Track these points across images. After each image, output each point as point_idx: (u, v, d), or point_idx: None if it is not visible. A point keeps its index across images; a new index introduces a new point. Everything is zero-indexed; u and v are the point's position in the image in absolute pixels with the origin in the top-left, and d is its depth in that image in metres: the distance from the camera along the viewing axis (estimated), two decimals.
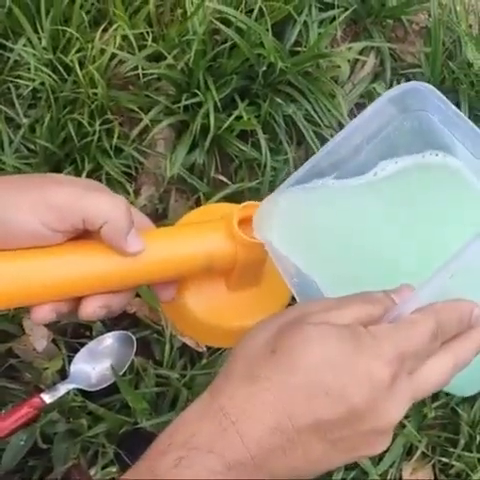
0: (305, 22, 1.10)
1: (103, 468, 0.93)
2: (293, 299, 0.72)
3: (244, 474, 0.45)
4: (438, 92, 0.59)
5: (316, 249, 0.60)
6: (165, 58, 1.05)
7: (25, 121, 1.04)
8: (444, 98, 0.59)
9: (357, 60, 1.17)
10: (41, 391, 0.92)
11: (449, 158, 0.62)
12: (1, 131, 1.04)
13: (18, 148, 1.04)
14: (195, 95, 1.02)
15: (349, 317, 0.48)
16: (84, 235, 0.59)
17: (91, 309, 0.58)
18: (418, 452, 0.98)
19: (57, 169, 1.03)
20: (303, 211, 0.61)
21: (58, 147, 1.01)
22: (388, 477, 0.98)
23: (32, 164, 1.03)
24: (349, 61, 1.15)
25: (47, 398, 0.92)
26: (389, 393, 0.46)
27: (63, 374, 0.96)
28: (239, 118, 1.04)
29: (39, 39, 1.04)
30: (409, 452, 1.00)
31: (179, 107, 1.03)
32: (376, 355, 0.46)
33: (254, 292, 0.68)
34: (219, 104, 1.02)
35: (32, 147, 1.03)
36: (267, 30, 1.05)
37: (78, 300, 0.59)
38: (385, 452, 0.97)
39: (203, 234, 0.63)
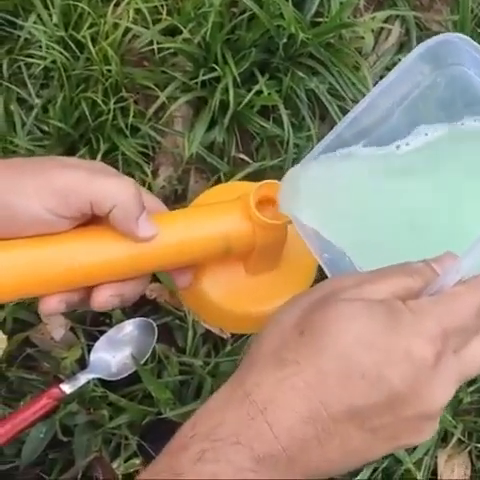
0: None
1: (126, 460, 0.89)
2: (316, 280, 0.68)
3: (275, 468, 0.41)
4: (474, 43, 0.54)
5: (348, 221, 0.56)
6: (181, 32, 1.00)
7: (37, 101, 1.00)
8: None
9: (381, 30, 1.11)
10: (60, 381, 0.89)
11: None
12: (13, 112, 1.00)
13: (31, 130, 1.00)
14: (213, 70, 0.98)
15: (385, 291, 0.44)
16: (93, 221, 0.55)
17: (103, 298, 0.56)
18: (454, 439, 0.94)
19: (71, 150, 0.99)
20: (331, 182, 0.57)
21: (72, 127, 0.97)
22: (423, 465, 0.94)
23: (46, 146, 0.99)
24: (373, 31, 1.10)
25: (67, 388, 0.88)
26: (433, 374, 0.42)
27: (82, 363, 0.92)
28: (259, 93, 0.99)
29: (50, 15, 1.00)
30: (444, 439, 0.96)
31: (196, 83, 0.99)
32: (417, 332, 0.42)
33: (274, 275, 0.66)
34: (238, 79, 0.97)
35: (45, 128, 1.00)
36: (286, 0, 1.00)
37: (89, 289, 0.56)
38: None
39: (219, 216, 0.60)
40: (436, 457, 0.96)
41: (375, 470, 0.92)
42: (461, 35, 0.53)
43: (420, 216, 0.55)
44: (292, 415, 0.41)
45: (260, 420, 0.41)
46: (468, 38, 0.53)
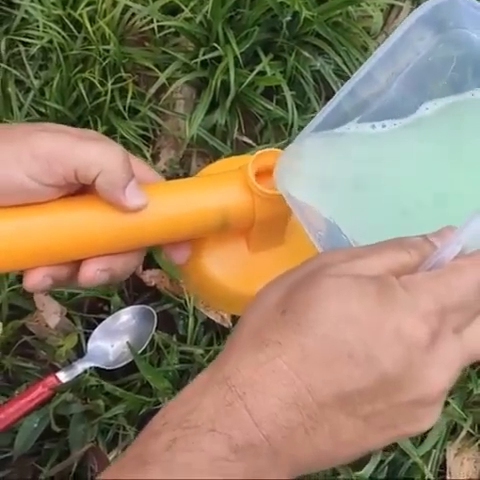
0: None
1: (124, 451, 0.87)
2: None
3: (258, 459, 0.37)
4: (478, 3, 0.50)
5: (345, 199, 0.53)
6: (182, 11, 0.97)
7: (35, 83, 0.98)
8: None
9: (391, 8, 1.08)
10: (57, 370, 0.87)
11: None
12: (10, 94, 0.98)
13: (29, 112, 0.98)
14: (214, 49, 0.95)
15: (378, 267, 0.40)
16: (83, 191, 0.52)
17: (91, 273, 0.52)
18: (463, 432, 0.91)
19: None
20: (328, 159, 0.54)
21: (69, 109, 0.94)
22: (431, 458, 0.91)
23: None
24: (382, 11, 1.07)
25: (63, 377, 0.86)
26: (429, 355, 0.38)
27: (79, 351, 0.90)
28: (263, 74, 0.96)
29: None
30: (453, 432, 0.93)
31: (197, 63, 0.96)
32: (409, 309, 0.38)
33: (279, 252, 0.62)
34: (241, 59, 0.94)
35: (43, 110, 0.97)
36: None
37: (77, 264, 0.53)
38: (427, 432, 0.90)
39: (216, 187, 0.56)
40: (445, 450, 0.93)
41: (381, 463, 0.89)
42: None
43: (426, 197, 0.52)
44: (274, 401, 0.37)
45: (239, 406, 0.37)
46: None
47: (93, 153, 0.49)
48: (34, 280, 0.52)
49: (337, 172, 0.53)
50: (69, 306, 0.91)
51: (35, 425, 0.83)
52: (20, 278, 0.81)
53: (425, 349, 0.38)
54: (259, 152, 0.55)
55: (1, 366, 0.89)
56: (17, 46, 0.99)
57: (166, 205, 0.54)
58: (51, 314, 0.87)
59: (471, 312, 0.40)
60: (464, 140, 0.51)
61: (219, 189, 0.56)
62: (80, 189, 0.52)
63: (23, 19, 0.99)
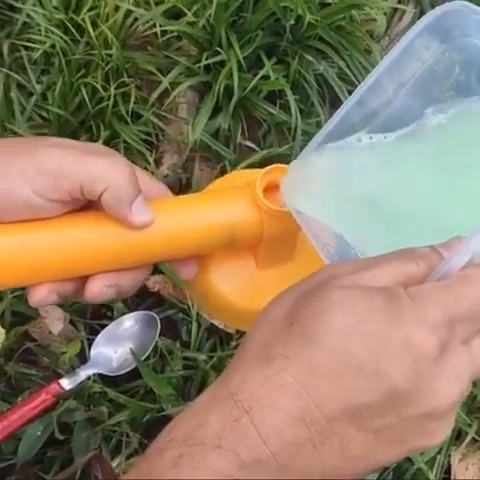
0: None
1: (127, 458, 0.87)
2: None
3: (265, 475, 0.37)
4: None
5: (355, 214, 0.52)
6: (185, 15, 0.97)
7: (37, 88, 0.97)
8: None
9: (394, 12, 1.07)
10: (60, 376, 0.87)
11: None
12: (13, 99, 0.97)
13: (31, 116, 0.98)
14: (217, 53, 0.94)
15: (385, 278, 0.40)
16: (88, 207, 0.52)
17: (97, 289, 0.52)
18: (468, 437, 0.90)
19: (72, 138, 0.96)
20: (335, 173, 0.53)
21: (72, 114, 0.94)
22: (436, 464, 0.90)
23: (46, 134, 0.96)
24: (386, 14, 1.06)
25: (66, 384, 0.86)
26: (438, 367, 0.38)
27: (83, 358, 0.90)
28: (266, 78, 0.96)
29: None
30: (458, 437, 0.93)
31: (199, 67, 0.95)
32: (417, 321, 0.38)
33: (287, 269, 0.60)
34: (244, 63, 0.94)
35: (45, 115, 0.97)
36: None
37: (84, 279, 0.52)
38: None
39: (223, 203, 0.55)
40: (449, 456, 0.93)
41: (386, 469, 0.89)
42: (466, 3, 0.49)
43: (436, 211, 0.51)
44: (281, 416, 0.37)
45: (245, 421, 0.37)
46: (473, 6, 0.49)
47: (99, 168, 0.48)
48: (39, 296, 0.51)
49: (345, 187, 0.53)
50: (72, 312, 0.91)
51: (38, 433, 0.83)
52: None
53: (434, 361, 0.38)
54: (267, 168, 0.54)
55: (4, 373, 0.89)
56: (19, 50, 0.99)
57: (173, 221, 0.54)
58: (54, 321, 0.86)
59: (479, 323, 0.40)
60: (474, 152, 0.51)
61: (226, 205, 0.55)
62: (86, 205, 0.51)
63: (25, 23, 0.98)
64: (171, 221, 0.54)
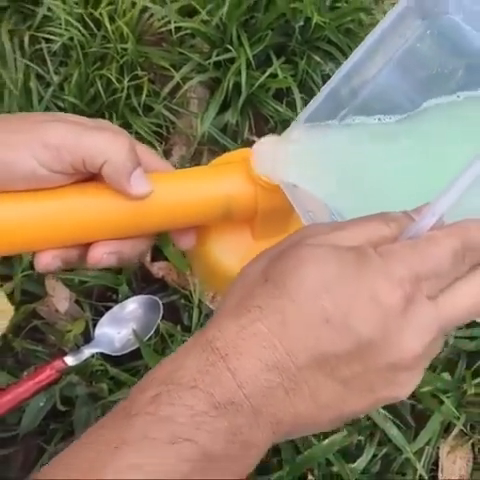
0: None
1: None
2: None
3: (239, 417, 0.39)
4: None
5: (335, 184, 0.55)
6: (199, 13, 1.00)
7: (55, 78, 1.01)
8: None
9: None
10: (65, 354, 0.90)
11: None
12: (31, 88, 1.01)
13: (48, 106, 1.01)
14: (228, 51, 0.98)
15: (357, 238, 0.43)
16: (93, 178, 0.55)
17: (99, 255, 0.55)
18: (456, 430, 0.93)
19: None
20: (320, 150, 0.56)
21: (86, 104, 0.98)
22: (424, 455, 0.93)
23: None
24: None
25: (70, 361, 0.89)
26: (403, 320, 0.40)
27: (87, 337, 0.93)
28: (274, 76, 0.99)
29: None
30: (447, 430, 0.95)
31: (210, 63, 0.99)
32: (383, 275, 0.40)
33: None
34: (253, 61, 0.97)
35: (61, 105, 1.01)
36: None
37: (86, 246, 0.56)
38: (420, 429, 0.93)
39: (220, 176, 0.58)
40: (438, 448, 0.95)
41: (374, 457, 0.91)
42: None
43: (415, 188, 0.53)
44: (255, 362, 0.39)
45: (221, 366, 0.40)
46: None
47: (99, 143, 0.51)
48: (44, 261, 0.54)
49: (326, 161, 0.55)
50: (79, 293, 0.94)
51: (41, 404, 0.86)
52: (33, 264, 0.85)
53: (399, 314, 0.40)
54: (261, 140, 0.57)
55: (11, 348, 0.92)
56: (39, 42, 1.03)
57: (171, 193, 0.56)
58: (61, 299, 0.90)
59: (445, 280, 0.42)
60: (449, 143, 0.53)
61: (223, 179, 0.58)
62: (90, 177, 0.54)
63: (46, 16, 1.03)
64: (169, 193, 0.56)
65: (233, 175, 0.58)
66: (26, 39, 1.03)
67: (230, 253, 0.63)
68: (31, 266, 0.93)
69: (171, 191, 0.57)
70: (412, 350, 0.40)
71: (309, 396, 0.40)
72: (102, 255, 0.55)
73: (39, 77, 1.04)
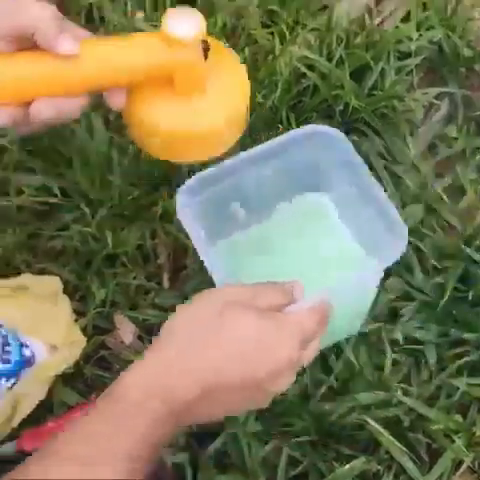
0: (383, 69, 1.20)
1: None
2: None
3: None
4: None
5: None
6: (255, 97, 1.15)
7: None
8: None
9: (431, 105, 1.25)
10: None
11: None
12: None
13: None
14: (278, 129, 1.14)
15: (263, 304, 0.66)
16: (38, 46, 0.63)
17: (37, 108, 0.62)
18: (464, 466, 1.00)
19: None
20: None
21: None
22: None
23: None
24: (424, 107, 1.24)
25: None
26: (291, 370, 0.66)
27: None
28: None
29: None
30: (457, 467, 1.02)
31: None
32: (285, 341, 0.65)
33: (201, 98, 0.70)
34: None
35: None
36: (347, 75, 1.16)
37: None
38: (433, 464, 1.00)
39: (139, 39, 0.67)
40: None
41: None
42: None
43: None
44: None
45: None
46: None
47: (30, 14, 0.60)
48: None
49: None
50: (141, 329, 1.03)
51: None
52: (104, 303, 0.98)
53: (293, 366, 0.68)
54: (173, 10, 0.64)
55: (82, 374, 1.01)
56: None
57: (97, 53, 0.64)
58: (127, 333, 1.00)
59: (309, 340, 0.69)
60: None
61: (142, 42, 0.66)
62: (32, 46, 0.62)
63: None
64: (95, 53, 0.64)
65: (151, 39, 0.65)
66: None
67: (156, 109, 0.69)
68: (103, 304, 1.03)
69: (96, 52, 0.64)
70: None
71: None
72: (40, 107, 0.62)
73: None
